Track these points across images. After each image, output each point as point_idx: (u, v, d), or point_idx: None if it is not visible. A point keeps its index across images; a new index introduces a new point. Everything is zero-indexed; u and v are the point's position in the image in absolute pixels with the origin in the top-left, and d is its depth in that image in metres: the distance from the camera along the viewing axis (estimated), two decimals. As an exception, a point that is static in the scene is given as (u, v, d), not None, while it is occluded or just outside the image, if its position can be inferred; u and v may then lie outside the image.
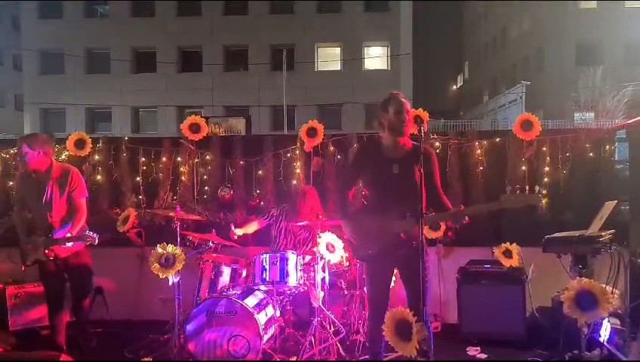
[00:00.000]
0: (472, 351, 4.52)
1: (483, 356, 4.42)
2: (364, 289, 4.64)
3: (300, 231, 5.01)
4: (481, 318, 4.66)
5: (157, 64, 26.73)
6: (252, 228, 5.06)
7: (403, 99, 3.28)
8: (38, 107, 27.08)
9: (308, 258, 4.62)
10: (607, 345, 3.86)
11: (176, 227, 4.47)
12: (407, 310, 2.86)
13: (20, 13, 28.71)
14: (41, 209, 4.10)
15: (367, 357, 4.25)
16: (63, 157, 5.56)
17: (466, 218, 3.14)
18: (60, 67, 27.03)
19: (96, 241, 3.91)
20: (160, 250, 4.22)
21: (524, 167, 5.23)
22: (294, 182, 5.42)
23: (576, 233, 3.82)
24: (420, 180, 2.99)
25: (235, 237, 4.85)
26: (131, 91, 26.31)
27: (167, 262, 4.20)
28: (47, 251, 3.98)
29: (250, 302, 4.14)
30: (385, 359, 3.76)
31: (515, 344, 4.53)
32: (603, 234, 3.73)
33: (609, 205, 3.84)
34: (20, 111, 30.15)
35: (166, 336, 4.59)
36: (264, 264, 4.35)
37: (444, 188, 3.44)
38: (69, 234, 3.98)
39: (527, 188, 2.94)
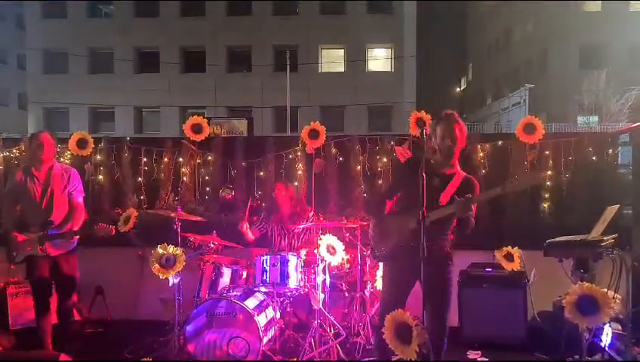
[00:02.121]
0: (473, 354, 4.50)
1: (484, 359, 4.41)
2: (365, 291, 4.66)
3: (293, 228, 4.99)
4: (483, 322, 4.64)
5: (160, 64, 26.78)
6: (252, 234, 5.05)
7: (454, 123, 3.16)
8: (42, 106, 27.16)
9: (303, 252, 4.68)
10: (609, 350, 3.84)
11: (177, 228, 4.46)
12: (407, 313, 2.85)
13: (23, 13, 28.84)
14: (41, 205, 4.16)
15: (366, 359, 4.25)
16: (67, 156, 5.57)
17: (473, 209, 3.06)
18: (63, 66, 27.08)
19: (113, 232, 4.08)
20: (160, 251, 4.22)
21: (526, 171, 5.20)
22: (295, 183, 5.41)
23: (578, 237, 3.80)
24: (422, 189, 2.95)
25: (244, 229, 4.84)
26: (134, 91, 26.34)
27: (168, 263, 4.20)
28: (41, 247, 4.05)
29: (251, 303, 4.14)
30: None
31: (516, 348, 4.51)
32: (605, 238, 3.71)
33: (611, 209, 3.82)
34: (23, 111, 30.24)
35: (166, 337, 4.59)
36: (264, 265, 4.34)
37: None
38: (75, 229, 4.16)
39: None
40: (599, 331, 3.78)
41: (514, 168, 5.25)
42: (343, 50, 26.95)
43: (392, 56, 26.65)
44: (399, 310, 2.89)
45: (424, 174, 2.96)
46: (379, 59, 27.09)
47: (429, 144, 3.25)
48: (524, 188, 2.93)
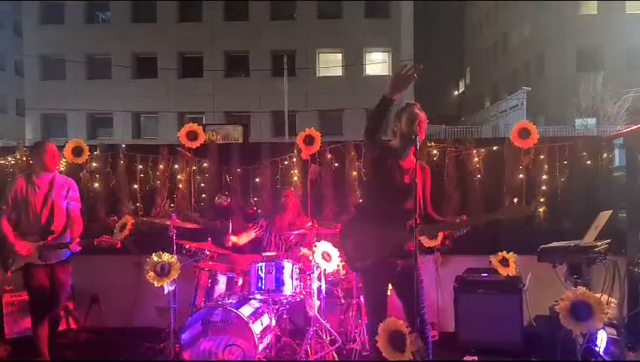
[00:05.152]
0: (470, 359, 4.50)
1: (480, 364, 4.41)
2: (361, 298, 4.65)
3: (290, 237, 5.00)
4: (479, 327, 4.64)
5: (158, 70, 26.80)
6: (244, 238, 5.04)
7: (418, 110, 3.28)
8: (40, 112, 27.17)
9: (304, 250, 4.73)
10: (603, 355, 3.84)
11: (173, 235, 4.46)
12: (401, 321, 2.85)
13: (21, 19, 28.86)
14: (41, 215, 4.17)
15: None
16: (62, 163, 5.57)
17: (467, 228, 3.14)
18: (61, 73, 27.09)
19: (119, 244, 4.12)
20: (155, 259, 4.22)
21: (521, 175, 5.22)
22: (291, 189, 5.40)
23: (571, 243, 3.80)
24: (414, 192, 3.00)
25: (230, 244, 4.83)
26: (132, 97, 26.36)
27: (163, 271, 4.21)
28: (41, 256, 4.07)
29: (246, 311, 4.13)
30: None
31: (513, 352, 4.50)
32: (598, 244, 3.72)
33: (604, 215, 3.83)
34: (21, 117, 30.25)
35: (162, 345, 4.57)
36: (260, 273, 4.33)
37: (442, 196, 3.44)
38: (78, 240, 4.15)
39: (524, 197, 2.97)
40: (594, 336, 3.78)
41: (509, 173, 5.27)
42: (340, 55, 27.01)
43: (390, 60, 26.69)
44: (392, 318, 2.90)
45: (416, 180, 3.00)
46: (376, 63, 27.13)
47: (394, 127, 3.35)
48: (520, 216, 3.06)
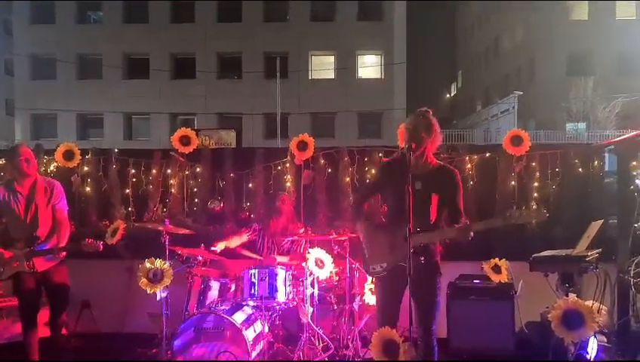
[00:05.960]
0: (461, 366, 4.51)
1: (472, 371, 4.42)
2: (354, 304, 4.66)
3: (283, 242, 5.00)
4: (471, 333, 4.65)
5: (150, 71, 26.68)
6: (234, 242, 4.98)
7: (422, 117, 3.29)
8: (29, 113, 26.94)
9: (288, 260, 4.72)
10: (594, 363, 3.87)
11: (165, 241, 4.44)
12: (394, 330, 2.87)
13: (11, 18, 28.63)
14: (25, 221, 4.09)
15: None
16: (52, 168, 5.53)
17: (472, 234, 3.12)
18: (51, 72, 26.90)
19: (101, 248, 3.97)
20: (148, 265, 4.20)
21: (513, 182, 5.25)
22: (287, 194, 5.38)
23: (563, 252, 3.84)
24: (412, 198, 2.99)
25: (217, 251, 4.81)
26: (124, 98, 26.22)
27: (155, 277, 4.18)
28: (28, 263, 3.98)
29: (239, 317, 4.12)
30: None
31: (504, 359, 4.52)
32: (589, 253, 3.75)
33: (595, 225, 3.87)
34: (10, 117, 29.97)
35: (154, 351, 4.56)
36: (253, 279, 4.32)
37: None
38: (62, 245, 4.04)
39: (533, 204, 2.96)
40: (585, 343, 3.81)
41: (501, 180, 5.29)
42: (333, 57, 27.04)
43: (382, 63, 26.77)
44: (386, 327, 2.90)
45: (410, 189, 2.99)
46: (369, 66, 27.20)
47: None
48: (527, 221, 3.05)
